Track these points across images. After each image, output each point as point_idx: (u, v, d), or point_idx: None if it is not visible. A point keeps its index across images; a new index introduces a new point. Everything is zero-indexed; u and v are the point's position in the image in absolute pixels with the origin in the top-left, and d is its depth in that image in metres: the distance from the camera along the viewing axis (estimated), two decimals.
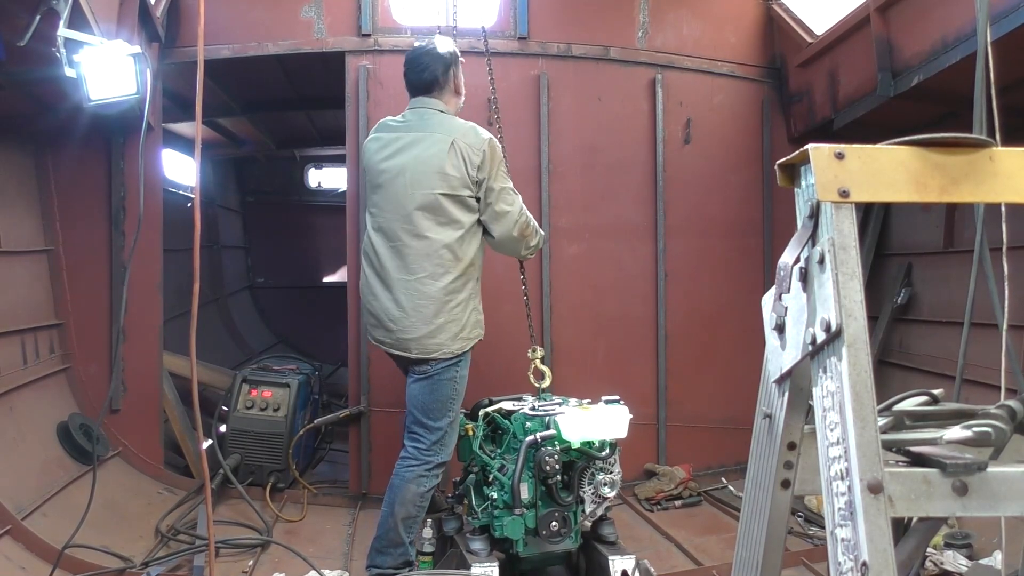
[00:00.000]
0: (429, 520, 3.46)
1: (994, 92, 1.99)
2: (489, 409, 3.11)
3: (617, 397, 2.92)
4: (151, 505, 3.79)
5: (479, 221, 3.12)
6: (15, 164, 3.91)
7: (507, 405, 3.11)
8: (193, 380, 2.72)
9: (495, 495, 2.87)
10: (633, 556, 2.84)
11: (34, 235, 3.98)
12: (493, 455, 3.00)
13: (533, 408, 2.95)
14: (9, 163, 3.86)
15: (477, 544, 2.88)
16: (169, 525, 3.55)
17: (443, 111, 3.18)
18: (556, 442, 2.80)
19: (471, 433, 3.13)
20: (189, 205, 3.17)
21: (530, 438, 2.79)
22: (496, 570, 2.75)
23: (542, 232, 3.34)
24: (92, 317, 4.09)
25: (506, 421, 3.02)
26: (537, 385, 3.35)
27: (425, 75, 3.18)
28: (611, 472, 2.88)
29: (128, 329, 4.02)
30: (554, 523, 2.81)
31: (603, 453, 2.85)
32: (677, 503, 4.12)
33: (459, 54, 3.28)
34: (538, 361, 3.36)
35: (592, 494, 2.86)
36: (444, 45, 3.24)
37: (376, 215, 3.16)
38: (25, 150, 3.98)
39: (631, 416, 2.86)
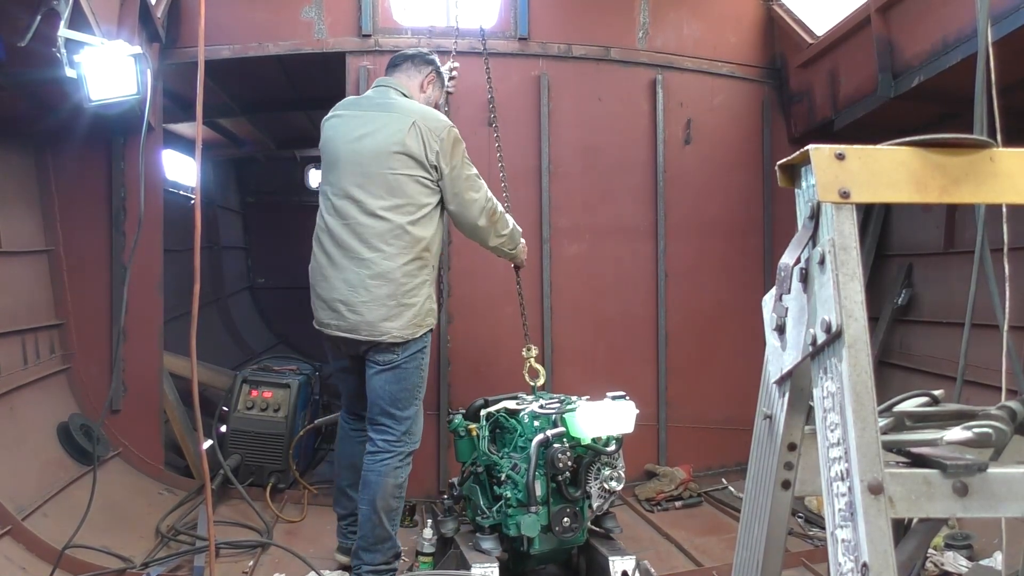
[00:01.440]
0: (430, 521, 3.46)
1: (995, 93, 1.99)
2: (493, 409, 3.12)
3: (623, 393, 2.93)
4: (151, 505, 3.79)
5: (439, 205, 3.05)
6: (16, 164, 3.91)
7: (510, 405, 3.12)
8: (193, 380, 2.73)
9: (508, 494, 2.89)
10: (633, 557, 2.86)
11: (34, 235, 3.98)
12: (501, 454, 3.01)
13: (541, 406, 2.98)
14: (9, 163, 3.85)
15: (488, 543, 2.90)
16: (169, 525, 3.55)
17: (405, 94, 3.18)
18: (565, 438, 2.84)
19: (475, 434, 3.14)
20: (191, 203, 3.16)
21: (540, 436, 2.82)
22: (496, 570, 2.76)
23: (515, 224, 3.28)
24: (92, 317, 4.08)
25: (512, 420, 3.04)
26: (532, 383, 3.36)
27: (398, 57, 3.31)
28: (616, 467, 2.93)
29: (128, 329, 4.02)
30: (566, 519, 2.85)
31: (609, 448, 2.90)
32: (677, 504, 4.12)
33: (440, 69, 3.36)
34: (532, 360, 3.38)
35: (599, 489, 2.91)
36: (432, 54, 3.39)
37: (331, 195, 3.06)
38: (26, 150, 3.98)
39: (637, 412, 2.89)
